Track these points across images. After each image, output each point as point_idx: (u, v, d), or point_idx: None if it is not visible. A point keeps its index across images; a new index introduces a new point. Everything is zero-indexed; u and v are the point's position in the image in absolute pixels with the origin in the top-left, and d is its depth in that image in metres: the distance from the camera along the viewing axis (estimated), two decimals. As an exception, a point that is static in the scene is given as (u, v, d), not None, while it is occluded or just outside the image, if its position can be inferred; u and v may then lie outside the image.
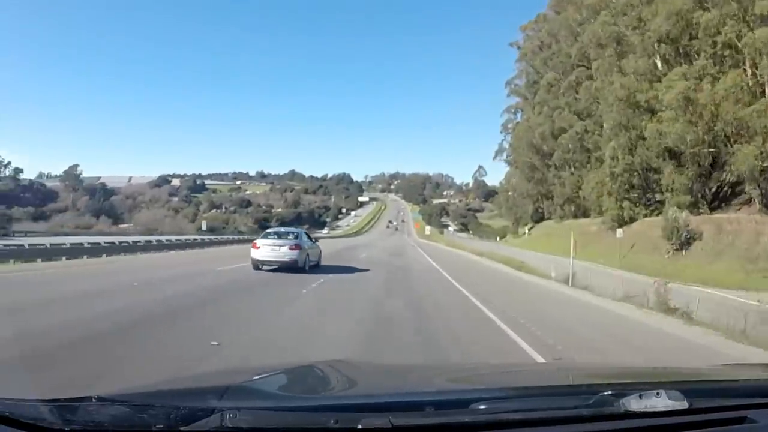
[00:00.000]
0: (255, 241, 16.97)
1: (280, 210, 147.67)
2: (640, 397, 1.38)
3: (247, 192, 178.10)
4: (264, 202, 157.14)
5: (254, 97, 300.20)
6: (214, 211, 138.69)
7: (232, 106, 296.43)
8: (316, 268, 17.23)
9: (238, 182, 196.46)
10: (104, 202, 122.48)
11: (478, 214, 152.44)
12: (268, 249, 16.06)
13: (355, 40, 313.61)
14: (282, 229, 20.89)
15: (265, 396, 1.45)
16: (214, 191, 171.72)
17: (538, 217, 61.27)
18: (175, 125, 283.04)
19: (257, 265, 15.90)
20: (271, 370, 1.86)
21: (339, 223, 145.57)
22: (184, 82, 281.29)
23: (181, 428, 1.18)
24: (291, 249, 16.07)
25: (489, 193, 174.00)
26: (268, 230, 19.95)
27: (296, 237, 17.22)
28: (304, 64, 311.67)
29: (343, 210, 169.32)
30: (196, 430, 1.17)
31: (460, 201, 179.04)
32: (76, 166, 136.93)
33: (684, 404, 1.39)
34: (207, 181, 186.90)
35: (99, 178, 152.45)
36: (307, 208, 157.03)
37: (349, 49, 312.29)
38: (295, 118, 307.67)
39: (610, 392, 1.43)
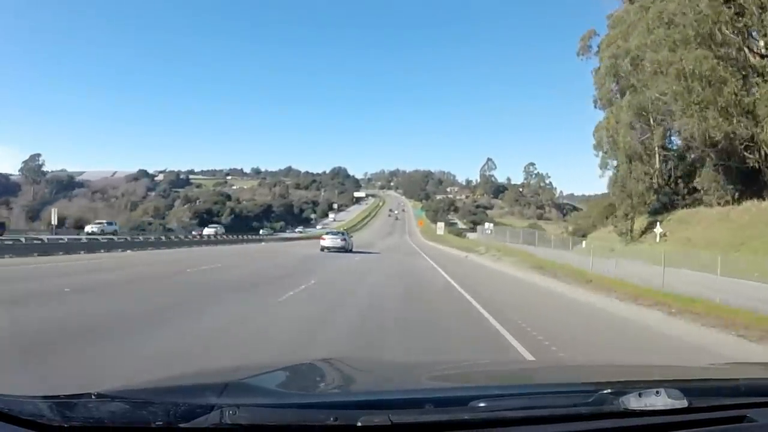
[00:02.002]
0: (323, 236, 32.95)
1: (240, 204, 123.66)
2: (640, 395, 1.38)
3: (234, 187, 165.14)
4: (248, 197, 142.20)
5: (252, 95, 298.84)
6: (188, 205, 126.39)
7: (228, 103, 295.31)
8: (351, 251, 31.32)
9: (229, 177, 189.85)
10: (56, 194, 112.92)
11: (488, 212, 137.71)
12: (329, 240, 30.70)
13: (352, 41, 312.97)
14: (335, 230, 41.01)
15: (264, 393, 1.46)
16: (198, 186, 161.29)
17: (658, 206, 35.59)
18: (172, 123, 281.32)
19: (323, 248, 29.65)
20: (271, 367, 1.87)
21: (327, 220, 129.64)
22: (183, 79, 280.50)
23: (181, 425, 1.18)
24: (342, 240, 31.04)
25: (498, 189, 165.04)
26: (329, 231, 38.81)
27: (344, 234, 33.40)
28: (302, 62, 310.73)
29: (334, 206, 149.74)
30: (195, 426, 1.18)
31: (466, 197, 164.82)
32: (38, 156, 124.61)
33: (683, 403, 1.39)
34: (193, 177, 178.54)
35: (83, 173, 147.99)
36: (282, 202, 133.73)
37: (347, 48, 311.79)
38: (292, 116, 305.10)
39: (609, 390, 1.43)
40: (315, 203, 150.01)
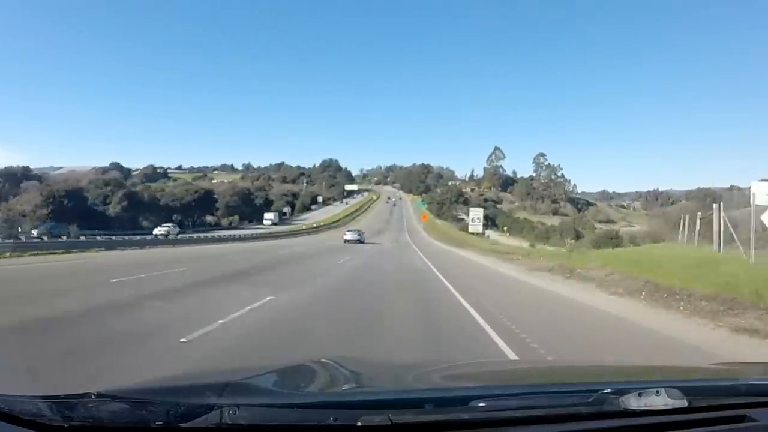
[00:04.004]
0: (345, 231, 47.80)
1: (164, 193, 75.71)
2: (640, 395, 1.38)
3: (214, 181, 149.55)
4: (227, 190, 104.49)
5: (250, 94, 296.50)
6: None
7: (226, 101, 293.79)
8: (364, 242, 43.14)
9: (215, 172, 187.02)
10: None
11: (498, 206, 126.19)
12: (349, 235, 44.12)
13: (349, 39, 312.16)
14: (353, 228, 55.21)
15: (264, 393, 1.46)
16: (176, 180, 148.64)
17: None
18: (162, 120, 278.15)
19: (345, 240, 41.88)
20: (271, 367, 1.87)
21: (308, 214, 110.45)
22: (182, 76, 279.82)
23: (181, 425, 1.18)
24: (359, 235, 44.96)
25: (506, 182, 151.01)
26: (348, 228, 53.63)
27: (359, 232, 46.97)
28: (301, 61, 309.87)
29: (319, 199, 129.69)
30: (195, 426, 1.18)
31: (471, 190, 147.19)
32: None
33: (683, 403, 1.39)
34: (177, 172, 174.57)
35: (60, 168, 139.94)
36: (233, 192, 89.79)
37: (342, 45, 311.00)
38: (287, 112, 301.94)
39: (609, 390, 1.42)
40: (295, 195, 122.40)
